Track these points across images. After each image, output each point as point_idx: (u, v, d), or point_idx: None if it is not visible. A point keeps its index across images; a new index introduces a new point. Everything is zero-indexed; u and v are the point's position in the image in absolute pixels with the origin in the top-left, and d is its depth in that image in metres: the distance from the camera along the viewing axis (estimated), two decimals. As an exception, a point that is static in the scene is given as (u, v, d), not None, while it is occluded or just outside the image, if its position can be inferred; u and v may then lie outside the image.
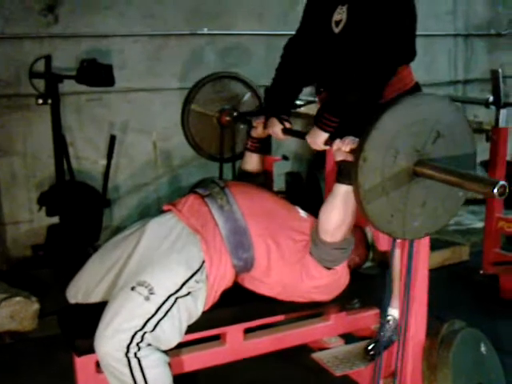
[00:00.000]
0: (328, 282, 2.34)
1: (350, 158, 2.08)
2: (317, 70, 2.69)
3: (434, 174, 1.77)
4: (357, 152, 1.78)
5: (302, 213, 2.48)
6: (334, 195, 2.18)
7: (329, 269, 2.30)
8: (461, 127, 1.89)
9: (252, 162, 2.86)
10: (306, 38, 2.72)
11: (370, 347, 2.56)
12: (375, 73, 2.33)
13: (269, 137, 2.85)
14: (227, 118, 3.16)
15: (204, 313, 2.28)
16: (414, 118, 1.78)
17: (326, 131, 2.38)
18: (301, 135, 2.56)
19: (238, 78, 3.25)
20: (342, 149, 2.13)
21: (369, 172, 1.76)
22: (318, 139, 2.40)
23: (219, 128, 3.19)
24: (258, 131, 2.79)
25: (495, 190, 1.56)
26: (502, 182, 1.56)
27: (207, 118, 3.19)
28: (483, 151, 6.45)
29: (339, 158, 2.15)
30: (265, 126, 2.74)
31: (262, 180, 2.87)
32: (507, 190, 1.57)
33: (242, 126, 3.13)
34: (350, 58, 2.38)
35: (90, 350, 2.09)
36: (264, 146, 2.86)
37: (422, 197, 1.87)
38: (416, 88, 2.59)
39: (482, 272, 4.09)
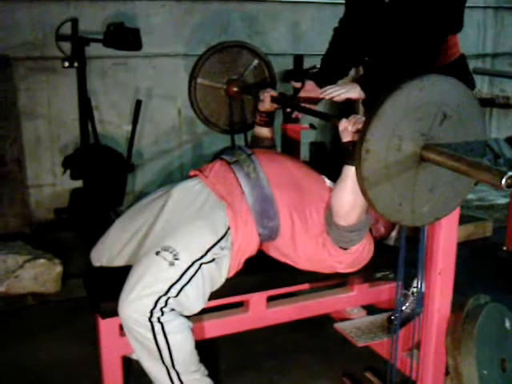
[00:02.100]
0: (349, 259, 2.32)
1: (356, 138, 2.01)
2: (368, 41, 2.68)
3: (439, 160, 1.68)
4: (358, 144, 1.68)
5: (328, 182, 2.44)
6: (344, 177, 2.10)
7: (345, 249, 2.29)
8: (470, 108, 1.79)
9: (262, 135, 2.83)
10: (357, 10, 2.72)
11: (392, 318, 2.55)
12: (427, 40, 2.34)
13: (274, 112, 2.83)
14: (235, 89, 3.10)
15: (228, 280, 2.28)
16: (417, 102, 1.69)
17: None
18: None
19: (245, 46, 3.17)
20: (349, 129, 2.07)
21: (372, 163, 1.68)
22: (350, 92, 2.47)
23: (228, 99, 3.14)
24: (265, 105, 2.74)
25: (503, 181, 1.48)
26: (510, 173, 1.47)
27: (215, 90, 3.13)
28: (510, 127, 6.42)
29: (346, 138, 2.09)
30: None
31: (273, 149, 2.84)
32: None
33: (249, 97, 3.06)
34: (402, 26, 2.38)
35: (115, 312, 2.10)
36: (273, 119, 2.83)
37: (430, 182, 1.79)
38: (461, 59, 2.61)
39: (505, 248, 4.07)
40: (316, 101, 2.71)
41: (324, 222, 2.27)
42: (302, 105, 2.67)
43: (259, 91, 2.78)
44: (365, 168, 1.67)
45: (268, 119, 2.79)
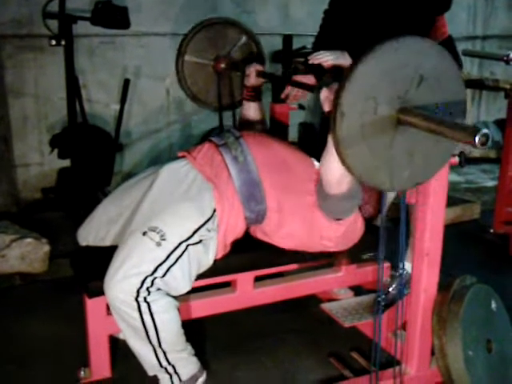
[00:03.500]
0: (341, 233, 2.32)
1: None
2: (357, 22, 2.67)
3: (415, 122, 1.67)
4: (333, 107, 1.66)
5: (317, 165, 2.43)
6: (329, 148, 2.06)
7: (339, 220, 2.28)
8: (447, 70, 1.77)
9: (251, 110, 2.84)
10: None
11: (379, 299, 2.56)
12: (417, 19, 2.33)
13: (260, 87, 2.83)
14: (223, 66, 3.08)
15: (215, 260, 2.28)
16: (392, 63, 1.66)
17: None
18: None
19: (232, 23, 3.15)
20: (330, 97, 2.00)
21: (348, 126, 1.66)
22: (339, 59, 2.49)
23: (216, 76, 3.13)
24: (251, 80, 2.75)
25: (477, 139, 1.49)
26: (484, 131, 1.48)
27: (202, 66, 3.10)
28: (499, 110, 6.42)
29: (328, 107, 2.03)
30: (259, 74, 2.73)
31: (263, 127, 2.86)
32: (489, 140, 1.50)
33: (238, 74, 3.05)
34: (391, 5, 2.37)
35: (102, 292, 2.10)
36: (260, 94, 2.84)
37: (409, 146, 1.77)
38: (449, 40, 2.60)
39: (492, 231, 4.08)
40: (308, 87, 2.71)
41: (316, 195, 2.26)
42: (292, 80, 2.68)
43: (245, 66, 2.78)
44: (340, 131, 1.65)
45: (254, 93, 2.80)
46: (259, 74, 2.72)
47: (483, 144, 1.50)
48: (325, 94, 2.03)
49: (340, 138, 1.66)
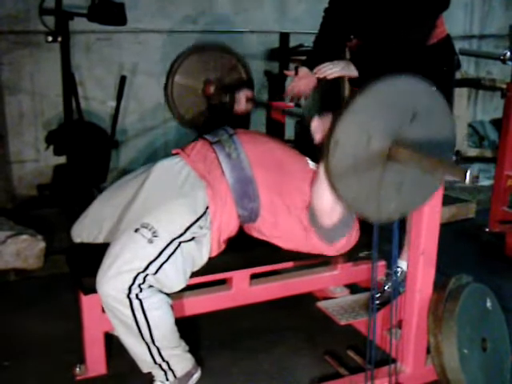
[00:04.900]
0: (335, 249, 2.35)
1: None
2: (357, 21, 2.67)
3: (406, 158, 1.71)
4: (328, 135, 1.68)
5: (311, 164, 2.43)
6: (321, 177, 2.05)
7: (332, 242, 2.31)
8: (439, 110, 1.82)
9: None
10: None
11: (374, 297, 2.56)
12: (417, 18, 2.34)
13: (249, 113, 2.85)
14: (211, 90, 3.07)
15: (211, 258, 2.28)
16: (389, 100, 1.71)
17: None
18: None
19: (223, 48, 3.13)
20: (321, 127, 2.05)
21: (340, 155, 1.68)
22: (344, 70, 2.50)
23: (205, 99, 3.11)
24: (240, 106, 2.77)
25: (467, 177, 1.55)
26: (472, 169, 1.55)
27: (192, 90, 3.08)
28: (496, 109, 6.44)
29: (319, 136, 2.07)
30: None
31: None
32: (479, 177, 1.58)
33: (227, 99, 3.04)
34: (391, 5, 2.38)
35: (97, 289, 2.09)
36: (248, 120, 2.87)
37: (398, 179, 1.81)
38: (447, 39, 2.61)
39: (487, 230, 4.08)
40: (299, 97, 2.74)
41: (308, 223, 2.27)
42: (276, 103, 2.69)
43: (235, 92, 2.78)
44: (332, 159, 1.68)
45: (243, 121, 2.84)
46: (249, 99, 2.73)
47: (474, 182, 1.57)
48: (316, 124, 2.04)
49: (332, 166, 1.69)
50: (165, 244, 2.12)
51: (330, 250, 2.35)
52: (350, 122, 1.67)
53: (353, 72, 2.50)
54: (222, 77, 3.06)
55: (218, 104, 3.04)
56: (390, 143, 1.74)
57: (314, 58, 2.77)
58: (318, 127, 2.05)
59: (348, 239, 2.35)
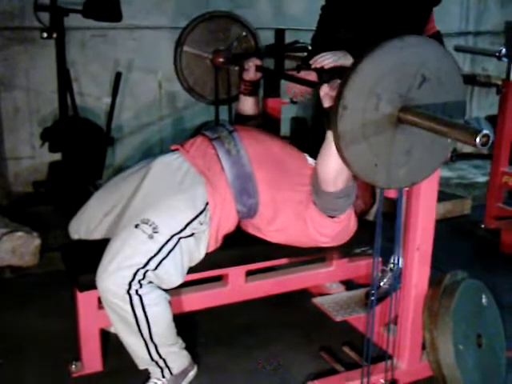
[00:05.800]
0: (336, 230, 2.32)
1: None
2: (353, 17, 2.68)
3: (416, 121, 1.68)
4: (336, 100, 1.66)
5: (310, 160, 2.43)
6: (328, 143, 2.05)
7: (332, 217, 2.28)
8: (449, 72, 1.79)
9: (247, 104, 2.84)
10: None
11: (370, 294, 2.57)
12: (413, 14, 2.34)
13: (258, 82, 2.83)
14: (221, 60, 3.07)
15: (207, 254, 2.29)
16: (396, 61, 1.67)
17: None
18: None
19: (233, 17, 3.14)
20: (330, 93, 2.02)
21: (349, 120, 1.66)
22: (341, 59, 2.46)
23: (213, 70, 3.12)
24: (249, 74, 2.75)
25: (477, 140, 1.50)
26: (485, 131, 1.50)
27: (201, 59, 3.09)
28: (491, 105, 6.44)
29: (327, 103, 2.04)
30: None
31: (258, 122, 2.84)
32: (490, 140, 1.51)
33: (236, 68, 3.04)
34: (387, 3, 2.38)
35: (93, 286, 2.10)
36: (257, 88, 2.84)
37: (407, 144, 1.78)
38: (437, 35, 2.61)
39: (483, 226, 4.08)
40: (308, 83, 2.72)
41: (311, 191, 2.26)
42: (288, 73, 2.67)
43: (244, 61, 2.78)
44: (341, 125, 1.65)
45: (252, 88, 2.80)
46: (258, 68, 2.72)
47: (484, 144, 1.51)
48: (325, 90, 2.03)
49: (341, 132, 1.66)
50: (165, 240, 2.13)
51: (332, 229, 2.32)
52: (357, 84, 1.64)
53: (350, 61, 2.49)
54: (232, 47, 3.07)
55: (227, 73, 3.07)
56: (400, 107, 1.71)
57: (312, 55, 2.76)
58: (327, 94, 2.04)
59: (350, 216, 2.33)
